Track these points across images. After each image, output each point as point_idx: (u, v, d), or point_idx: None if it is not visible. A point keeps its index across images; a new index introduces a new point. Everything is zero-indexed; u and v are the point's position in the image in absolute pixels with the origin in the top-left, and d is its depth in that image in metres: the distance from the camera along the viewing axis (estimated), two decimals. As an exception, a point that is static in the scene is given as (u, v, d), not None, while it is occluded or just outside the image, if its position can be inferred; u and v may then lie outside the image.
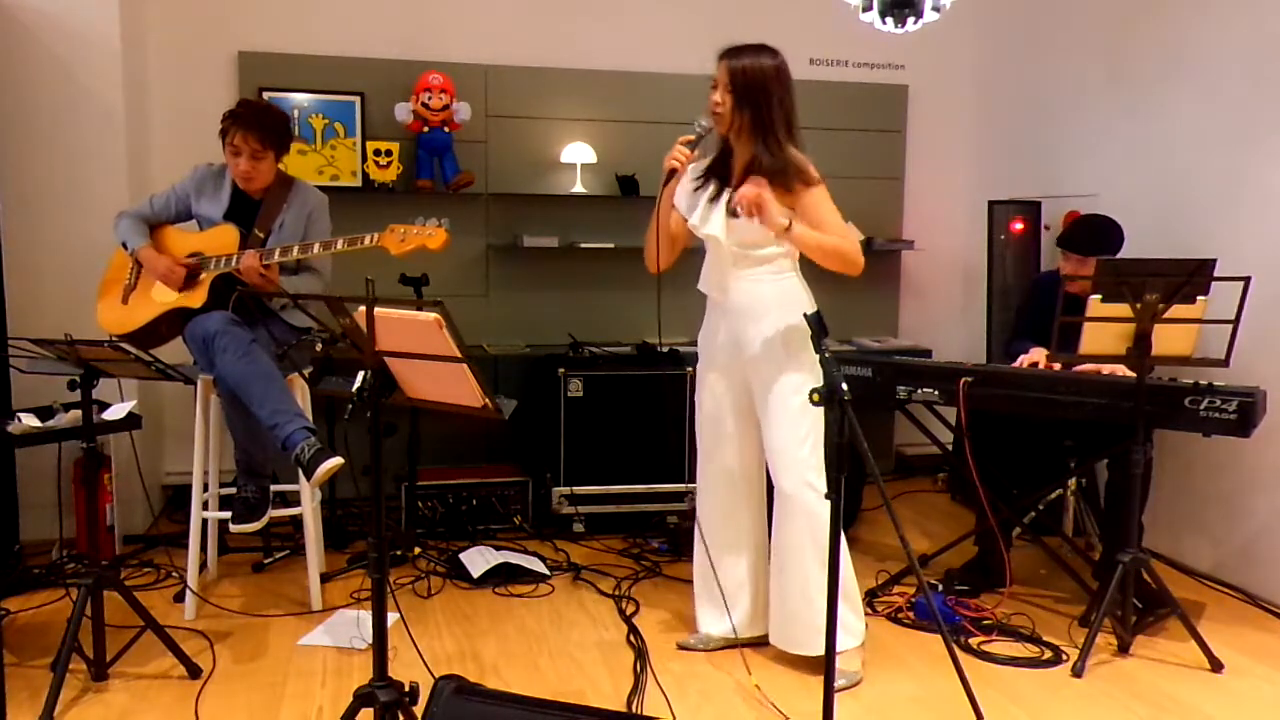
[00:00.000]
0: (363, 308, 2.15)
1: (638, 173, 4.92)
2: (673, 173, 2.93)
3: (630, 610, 3.51)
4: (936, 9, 3.62)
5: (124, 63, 4.13)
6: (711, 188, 3.03)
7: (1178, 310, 3.04)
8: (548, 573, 3.84)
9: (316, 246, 3.29)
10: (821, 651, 2.88)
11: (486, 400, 2.14)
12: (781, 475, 2.97)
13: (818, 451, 2.97)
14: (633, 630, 3.32)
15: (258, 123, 3.37)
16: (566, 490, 4.33)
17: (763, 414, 3.00)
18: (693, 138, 2.93)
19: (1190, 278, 3.01)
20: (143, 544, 4.11)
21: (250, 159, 3.38)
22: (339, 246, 3.23)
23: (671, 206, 3.09)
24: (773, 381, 2.95)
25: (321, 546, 3.85)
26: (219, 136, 3.42)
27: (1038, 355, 3.58)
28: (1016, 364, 3.61)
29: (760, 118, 2.91)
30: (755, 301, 2.98)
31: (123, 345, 2.78)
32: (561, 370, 4.32)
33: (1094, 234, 3.72)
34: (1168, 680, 3.04)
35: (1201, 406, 3.09)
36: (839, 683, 2.81)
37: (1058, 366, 3.42)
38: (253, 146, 3.37)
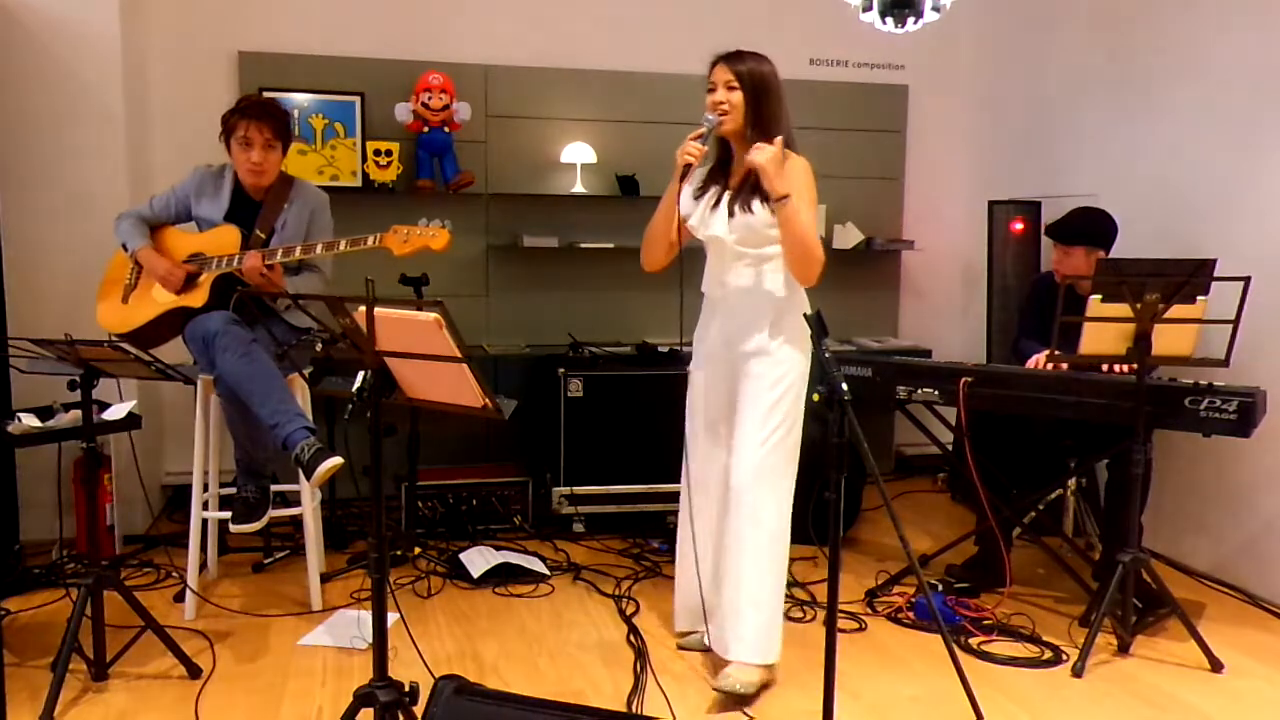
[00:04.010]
0: (363, 308, 2.15)
1: (638, 173, 4.92)
2: (688, 168, 2.91)
3: (630, 610, 3.51)
4: (936, 9, 3.61)
5: (124, 63, 4.13)
6: (712, 192, 3.03)
7: (1178, 310, 3.04)
8: (548, 573, 3.84)
9: (319, 247, 3.29)
10: (747, 660, 2.88)
11: (486, 400, 2.14)
12: (736, 468, 2.93)
13: (779, 453, 2.91)
14: (633, 630, 3.32)
15: (268, 114, 3.39)
16: (566, 490, 4.33)
17: (738, 405, 2.97)
18: (704, 131, 2.91)
19: (1190, 278, 3.01)
20: (143, 544, 4.11)
21: (263, 149, 3.38)
22: (342, 247, 3.23)
23: (677, 203, 3.07)
24: (754, 375, 2.93)
25: (321, 546, 3.85)
26: (220, 138, 3.42)
27: (1043, 359, 3.57)
28: (1030, 363, 3.59)
29: (765, 117, 2.91)
30: (750, 299, 2.97)
31: (123, 345, 2.77)
32: (561, 370, 4.32)
33: (1075, 224, 3.72)
34: (1168, 680, 3.04)
35: (1201, 406, 3.09)
36: (736, 687, 2.83)
37: (1065, 366, 3.42)
38: (265, 137, 3.37)
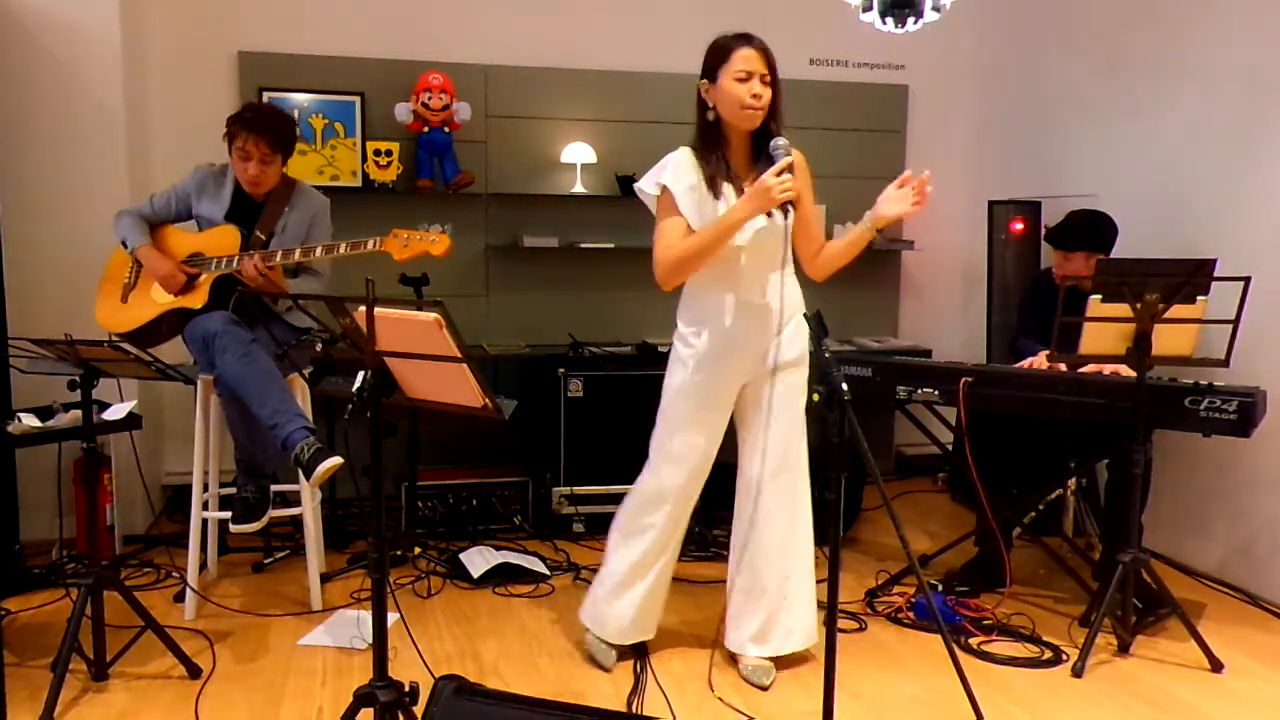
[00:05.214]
0: (363, 308, 2.15)
1: (638, 173, 4.87)
2: (787, 204, 2.73)
3: (630, 610, 3.50)
4: (936, 9, 3.61)
5: (124, 63, 4.13)
6: (730, 191, 2.85)
7: (1178, 310, 3.04)
8: (548, 573, 3.84)
9: (319, 250, 3.28)
10: (792, 649, 2.98)
11: (486, 400, 2.14)
12: (782, 473, 2.96)
13: (805, 456, 3.02)
14: (633, 630, 3.32)
15: (268, 127, 3.36)
16: (566, 490, 4.33)
17: (773, 410, 2.95)
18: (789, 163, 2.70)
19: (1190, 278, 3.01)
20: (143, 544, 4.11)
21: (260, 163, 3.37)
22: (342, 250, 3.23)
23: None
24: (791, 384, 2.95)
25: (321, 546, 3.85)
26: (224, 140, 3.41)
27: (1041, 359, 3.57)
28: (1025, 363, 3.59)
29: (778, 106, 2.84)
30: (790, 303, 2.94)
31: (123, 345, 2.78)
32: (561, 370, 4.32)
33: (1075, 229, 3.72)
34: (1168, 680, 3.04)
35: (1201, 406, 3.09)
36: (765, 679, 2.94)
37: (1062, 367, 3.42)
38: (263, 151, 3.36)
